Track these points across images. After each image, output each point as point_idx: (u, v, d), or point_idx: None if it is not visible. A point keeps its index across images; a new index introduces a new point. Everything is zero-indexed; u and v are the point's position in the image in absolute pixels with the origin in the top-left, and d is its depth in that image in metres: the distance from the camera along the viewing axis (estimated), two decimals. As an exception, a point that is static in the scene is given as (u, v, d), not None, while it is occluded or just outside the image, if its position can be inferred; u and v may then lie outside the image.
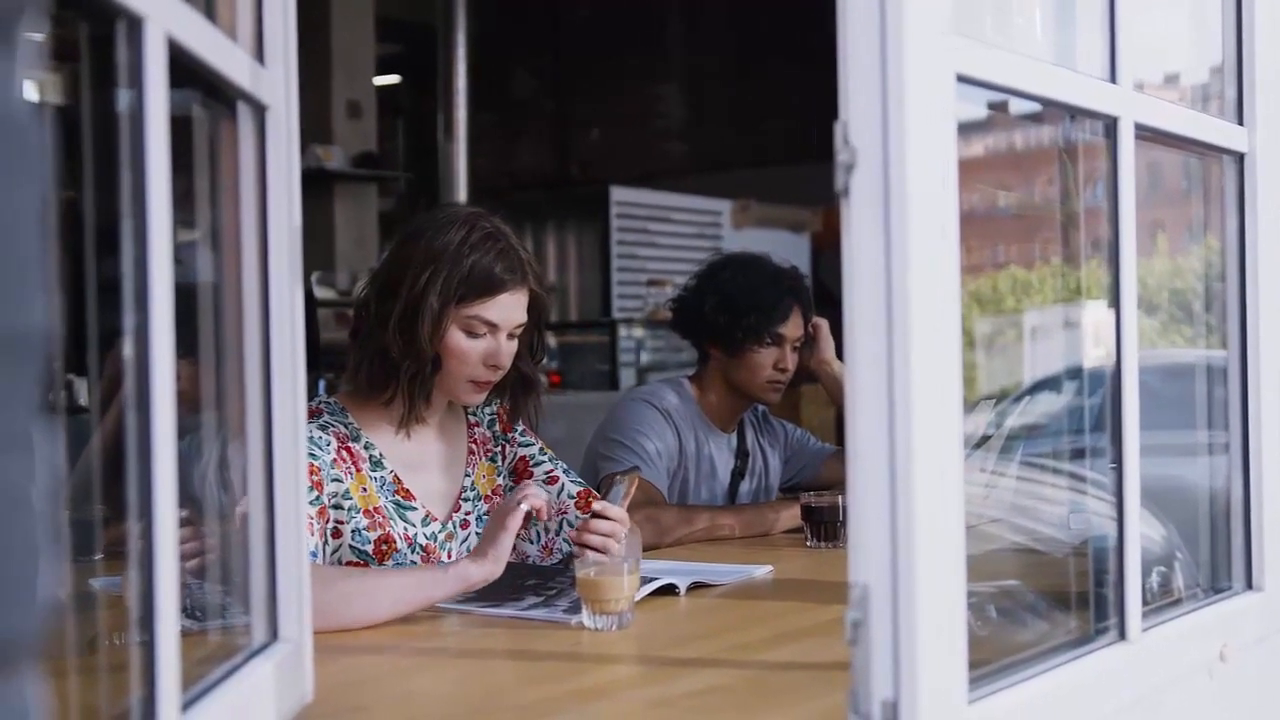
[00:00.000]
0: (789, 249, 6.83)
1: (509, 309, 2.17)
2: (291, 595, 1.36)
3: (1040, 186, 2.00)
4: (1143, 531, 1.55)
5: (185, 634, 1.05)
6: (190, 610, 1.30)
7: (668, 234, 7.92)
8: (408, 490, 2.20)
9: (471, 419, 2.36)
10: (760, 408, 3.15)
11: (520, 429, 2.39)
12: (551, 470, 2.35)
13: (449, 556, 2.21)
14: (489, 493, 2.32)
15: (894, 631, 1.15)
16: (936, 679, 1.16)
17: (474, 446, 2.33)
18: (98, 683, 1.17)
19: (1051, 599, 1.69)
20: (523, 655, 1.73)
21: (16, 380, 0.55)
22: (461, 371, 2.17)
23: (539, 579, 2.10)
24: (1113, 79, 1.49)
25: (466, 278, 2.12)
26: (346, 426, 2.18)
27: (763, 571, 2.30)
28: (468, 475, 2.30)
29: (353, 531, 2.11)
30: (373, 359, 2.16)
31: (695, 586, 2.13)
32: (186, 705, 1.06)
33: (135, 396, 0.98)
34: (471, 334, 2.15)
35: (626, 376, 7.09)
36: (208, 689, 1.15)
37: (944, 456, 1.19)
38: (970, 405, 1.27)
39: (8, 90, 0.55)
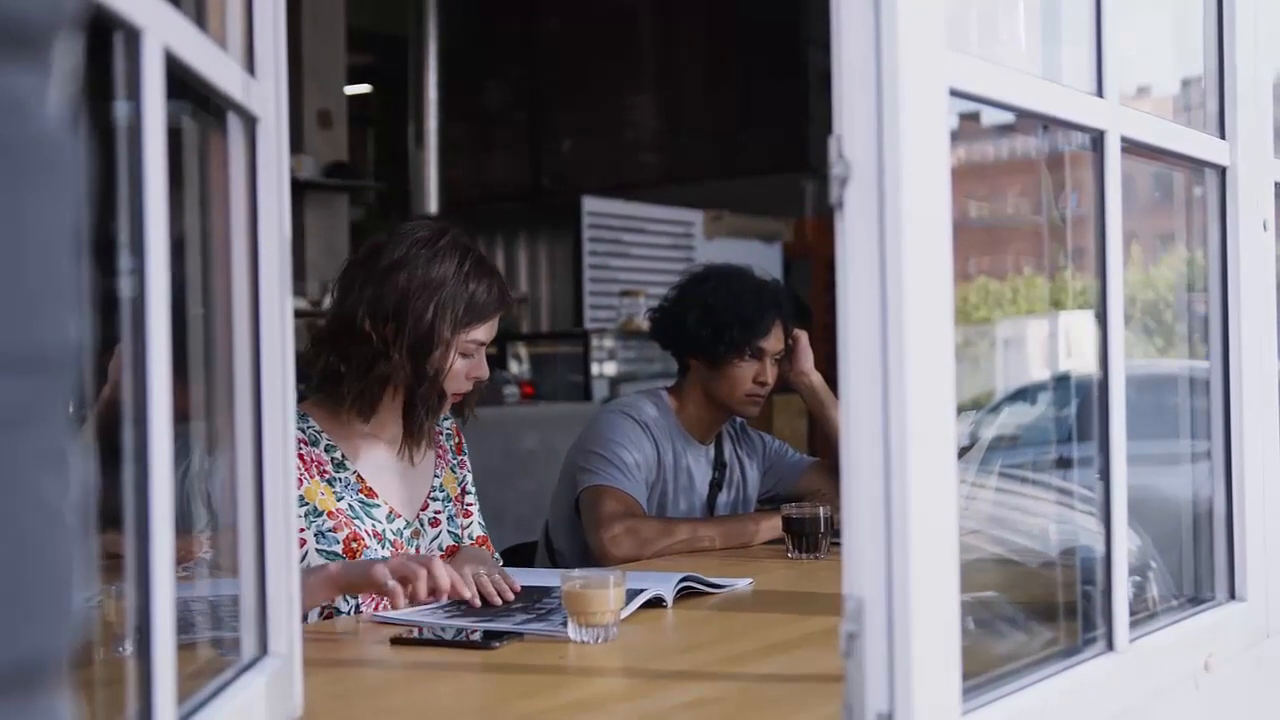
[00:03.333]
0: (761, 259, 6.82)
1: (495, 326, 2.30)
2: (281, 610, 1.35)
3: (1012, 198, 2.02)
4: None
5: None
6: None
7: (640, 244, 7.91)
8: (370, 489, 2.26)
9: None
10: (738, 419, 3.15)
11: (462, 456, 2.49)
12: (472, 505, 2.47)
13: (417, 553, 2.29)
14: (455, 495, 2.42)
15: (889, 644, 1.15)
16: (931, 690, 1.16)
17: (440, 451, 2.42)
18: (91, 698, 1.16)
19: (1035, 610, 1.70)
20: (510, 669, 1.72)
21: (52, 397, 0.54)
22: (448, 389, 2.26)
23: (525, 600, 2.09)
24: (1099, 93, 1.50)
25: (471, 306, 2.23)
26: (305, 431, 2.21)
27: (744, 584, 2.31)
28: (436, 476, 2.38)
29: (317, 535, 2.16)
30: (378, 385, 2.22)
31: (683, 593, 2.14)
32: (180, 721, 1.05)
33: (132, 409, 0.97)
34: (465, 355, 2.26)
35: (599, 388, 7.08)
36: (201, 704, 1.14)
37: (938, 469, 1.19)
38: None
39: (42, 109, 0.55)
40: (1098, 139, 1.50)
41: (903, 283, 1.14)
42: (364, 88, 10.18)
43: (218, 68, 1.19)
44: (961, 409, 1.88)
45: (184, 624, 1.38)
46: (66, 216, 0.56)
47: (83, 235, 0.58)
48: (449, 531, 2.36)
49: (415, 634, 1.88)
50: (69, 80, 0.59)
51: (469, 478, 2.47)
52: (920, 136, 1.17)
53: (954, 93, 1.23)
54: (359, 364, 2.20)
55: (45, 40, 0.56)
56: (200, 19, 1.20)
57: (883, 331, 1.15)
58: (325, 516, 2.16)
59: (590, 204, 7.80)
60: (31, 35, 0.55)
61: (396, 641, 1.84)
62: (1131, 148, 1.56)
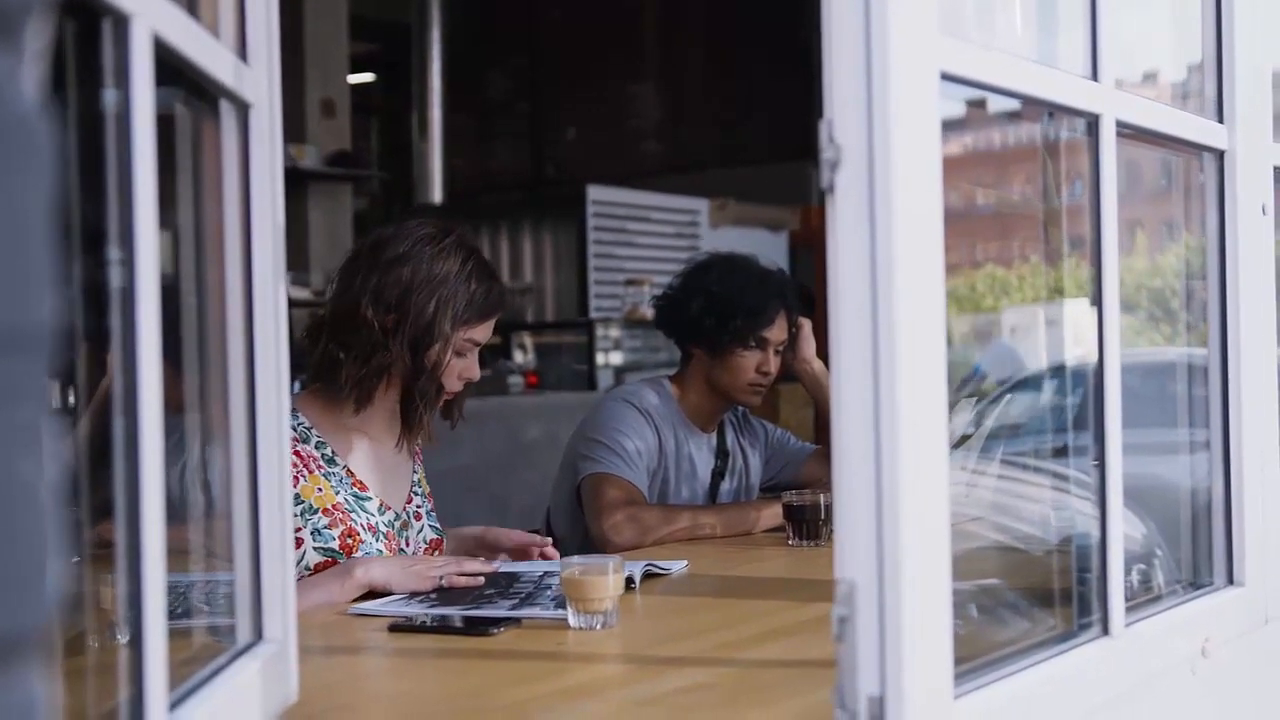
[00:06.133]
0: (767, 248, 6.83)
1: (491, 329, 2.32)
2: (276, 595, 1.35)
3: (1017, 185, 2.01)
4: (1123, 529, 1.56)
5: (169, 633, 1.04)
6: (171, 609, 1.30)
7: (645, 233, 7.90)
8: (361, 482, 2.27)
9: None
10: (741, 407, 3.15)
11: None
12: (430, 506, 2.47)
13: (406, 544, 2.32)
14: (428, 493, 2.45)
15: (880, 627, 1.15)
16: (923, 674, 1.17)
17: (417, 448, 2.44)
18: (82, 684, 1.16)
19: (1034, 596, 1.70)
20: (507, 655, 1.72)
21: (26, 376, 0.55)
22: (444, 384, 2.27)
23: (498, 586, 2.09)
24: (1094, 77, 1.49)
25: (471, 304, 2.24)
26: (295, 428, 2.22)
27: (679, 566, 2.33)
28: (415, 472, 2.42)
29: (313, 533, 2.16)
30: (376, 375, 2.23)
31: (648, 576, 2.19)
32: (173, 705, 1.06)
33: (122, 398, 0.97)
34: (460, 354, 2.27)
35: (604, 377, 7.08)
36: (194, 688, 1.15)
37: (929, 453, 1.19)
38: (950, 404, 1.27)
39: (14, 90, 0.56)
40: (1093, 123, 1.50)
41: (893, 266, 1.14)
42: (367, 77, 10.18)
43: (209, 54, 1.19)
44: (968, 396, 1.88)
45: (183, 610, 1.39)
46: (40, 198, 0.56)
47: (56, 217, 0.58)
48: (430, 526, 2.40)
49: (411, 621, 1.88)
50: (41, 61, 0.60)
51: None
52: (911, 121, 1.17)
53: (946, 77, 1.23)
54: (358, 352, 2.21)
55: (18, 22, 0.56)
56: (191, 4, 1.20)
57: (873, 315, 1.15)
58: (320, 514, 2.18)
59: (595, 193, 7.79)
60: (4, 18, 0.55)
61: (394, 628, 1.84)
62: (1128, 132, 1.55)
